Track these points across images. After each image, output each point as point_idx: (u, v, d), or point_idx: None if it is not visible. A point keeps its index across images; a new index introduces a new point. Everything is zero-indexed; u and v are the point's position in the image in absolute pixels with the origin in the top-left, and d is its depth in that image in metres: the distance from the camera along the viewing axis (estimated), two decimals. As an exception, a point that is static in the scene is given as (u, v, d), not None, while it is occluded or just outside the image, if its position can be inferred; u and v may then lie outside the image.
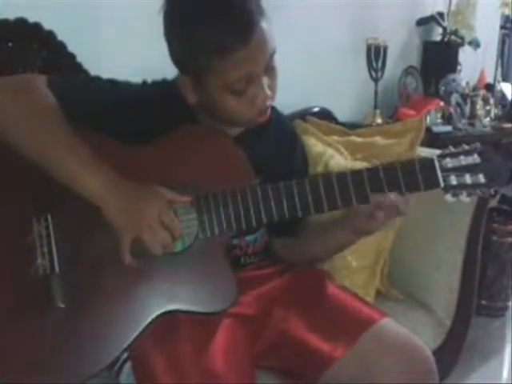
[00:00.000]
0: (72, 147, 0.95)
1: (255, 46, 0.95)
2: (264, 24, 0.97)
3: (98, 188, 0.93)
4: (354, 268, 1.53)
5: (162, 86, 1.11)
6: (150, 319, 0.96)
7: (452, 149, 0.99)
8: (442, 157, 0.98)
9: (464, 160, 0.98)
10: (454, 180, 0.97)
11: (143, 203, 0.94)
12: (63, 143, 0.95)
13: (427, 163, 0.98)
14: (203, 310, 0.99)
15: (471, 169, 0.97)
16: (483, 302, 2.46)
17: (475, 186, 0.98)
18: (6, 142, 0.96)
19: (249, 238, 1.16)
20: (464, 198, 0.99)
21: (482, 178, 0.97)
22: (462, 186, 0.98)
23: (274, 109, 1.19)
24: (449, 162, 0.98)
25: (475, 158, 0.97)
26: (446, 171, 0.97)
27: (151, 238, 0.93)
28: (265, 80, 1.00)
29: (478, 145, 0.99)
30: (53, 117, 0.97)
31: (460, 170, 0.98)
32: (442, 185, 0.98)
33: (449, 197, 0.99)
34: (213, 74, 0.97)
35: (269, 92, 1.01)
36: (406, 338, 1.09)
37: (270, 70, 1.01)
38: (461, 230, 1.55)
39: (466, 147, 0.99)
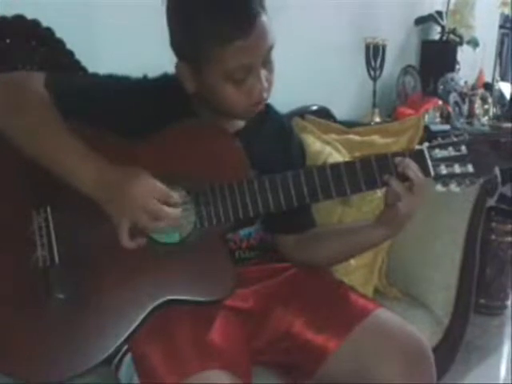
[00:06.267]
0: (59, 138, 0.97)
1: (255, 37, 0.97)
2: (264, 17, 0.99)
3: (86, 177, 0.94)
4: (353, 266, 1.53)
5: (162, 80, 1.12)
6: (149, 309, 0.98)
7: (441, 140, 1.02)
8: (431, 147, 1.02)
9: (453, 151, 1.01)
10: (443, 169, 1.01)
11: (132, 185, 0.94)
12: (50, 134, 0.97)
13: (417, 153, 1.01)
14: (202, 299, 1.00)
15: (460, 159, 1.01)
16: (482, 301, 2.46)
17: (464, 175, 1.01)
18: (2, 135, 0.98)
19: (243, 232, 1.17)
20: (454, 187, 1.02)
21: (470, 168, 1.00)
22: (452, 176, 1.01)
23: (270, 106, 1.21)
24: (438, 153, 1.01)
25: (463, 150, 1.01)
26: (436, 161, 1.00)
27: (148, 218, 0.94)
28: (263, 72, 1.01)
29: (465, 136, 1.02)
30: (42, 111, 0.99)
31: (449, 160, 1.01)
32: (433, 174, 1.01)
33: (439, 187, 1.02)
34: (212, 62, 0.99)
35: (266, 84, 1.02)
36: (400, 326, 1.09)
37: (267, 63, 1.03)
38: (459, 228, 1.55)
39: (455, 139, 1.02)
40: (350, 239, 1.14)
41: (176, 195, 0.97)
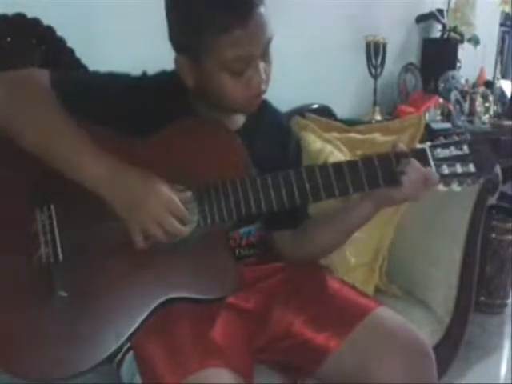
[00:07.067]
0: (71, 136, 0.97)
1: (253, 27, 0.97)
2: (263, 8, 0.99)
3: (98, 176, 0.95)
4: (353, 265, 1.53)
5: (160, 77, 1.12)
6: (152, 307, 0.98)
7: (443, 140, 1.03)
8: (433, 147, 1.02)
9: (455, 151, 1.02)
10: (445, 169, 1.02)
11: (146, 194, 0.95)
12: (62, 133, 0.97)
13: (420, 153, 1.02)
14: (204, 297, 1.00)
15: (461, 159, 1.01)
16: (482, 299, 2.46)
17: (466, 175, 1.02)
18: (7, 134, 0.97)
19: (243, 230, 1.17)
20: (455, 187, 1.03)
21: (472, 168, 1.01)
22: (454, 175, 1.01)
23: (267, 102, 1.21)
24: (440, 153, 1.02)
25: (465, 149, 1.02)
26: (438, 160, 1.01)
27: (158, 230, 0.95)
28: (261, 64, 1.01)
29: (467, 136, 1.03)
30: (52, 108, 0.99)
31: (451, 160, 1.01)
32: None
33: (441, 186, 1.03)
34: (211, 52, 0.98)
35: (264, 76, 1.02)
36: (401, 325, 1.09)
37: (266, 56, 1.03)
38: (460, 227, 1.55)
39: (456, 138, 1.03)
40: (342, 218, 1.14)
41: (188, 213, 0.97)
